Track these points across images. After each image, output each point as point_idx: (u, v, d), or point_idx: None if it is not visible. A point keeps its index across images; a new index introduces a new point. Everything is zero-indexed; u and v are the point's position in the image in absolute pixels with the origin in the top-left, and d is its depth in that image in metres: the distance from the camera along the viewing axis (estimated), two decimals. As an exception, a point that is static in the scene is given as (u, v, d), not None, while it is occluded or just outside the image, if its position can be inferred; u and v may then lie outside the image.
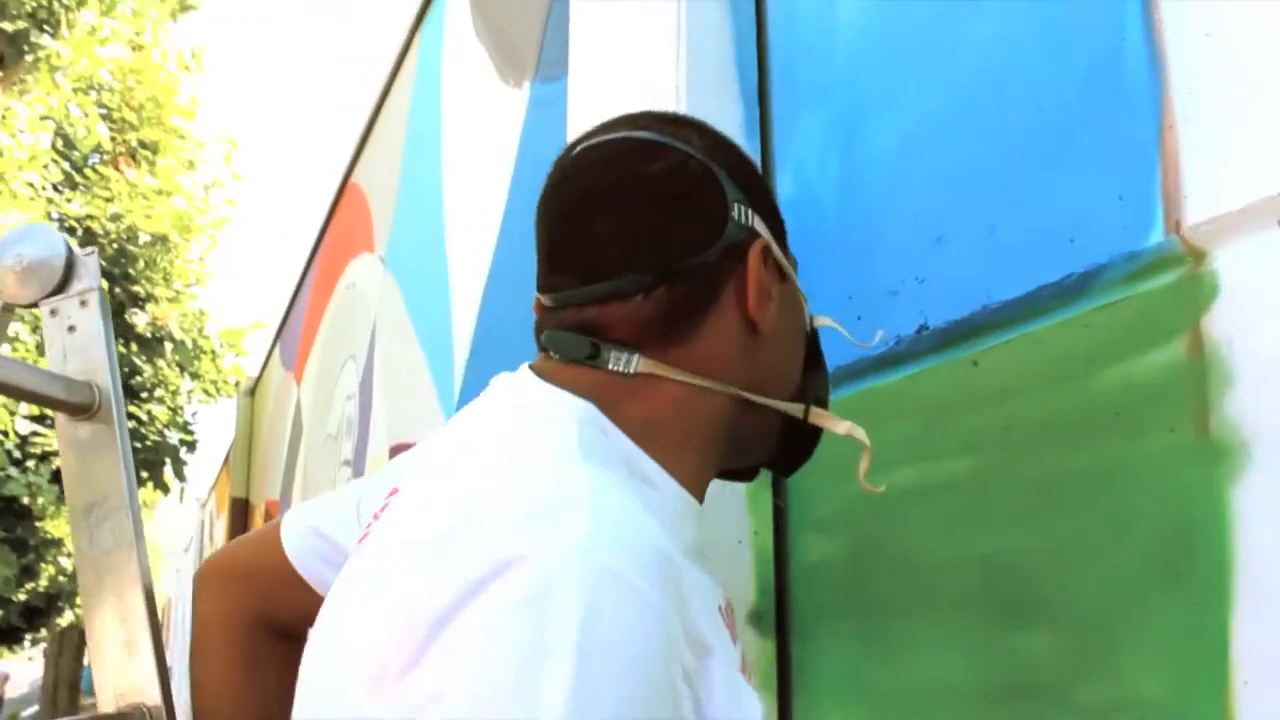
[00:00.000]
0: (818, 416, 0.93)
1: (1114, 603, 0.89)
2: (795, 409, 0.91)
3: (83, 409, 1.22)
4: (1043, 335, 0.98)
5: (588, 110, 1.80)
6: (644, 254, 0.82)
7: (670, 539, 0.72)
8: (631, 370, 0.82)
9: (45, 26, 9.57)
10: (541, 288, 0.88)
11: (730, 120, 1.44)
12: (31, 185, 10.25)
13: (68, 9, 9.54)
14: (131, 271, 13.49)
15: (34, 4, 9.38)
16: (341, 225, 4.66)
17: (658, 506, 0.76)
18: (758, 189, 0.91)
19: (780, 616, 1.30)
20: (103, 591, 1.18)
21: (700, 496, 0.86)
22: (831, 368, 1.24)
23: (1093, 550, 0.91)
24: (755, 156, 1.43)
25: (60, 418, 1.26)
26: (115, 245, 13.24)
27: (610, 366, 0.82)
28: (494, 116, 2.64)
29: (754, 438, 0.92)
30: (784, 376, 0.92)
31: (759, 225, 0.87)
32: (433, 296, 2.94)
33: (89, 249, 1.31)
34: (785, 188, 1.41)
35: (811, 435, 0.96)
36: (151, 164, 14.29)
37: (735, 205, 0.85)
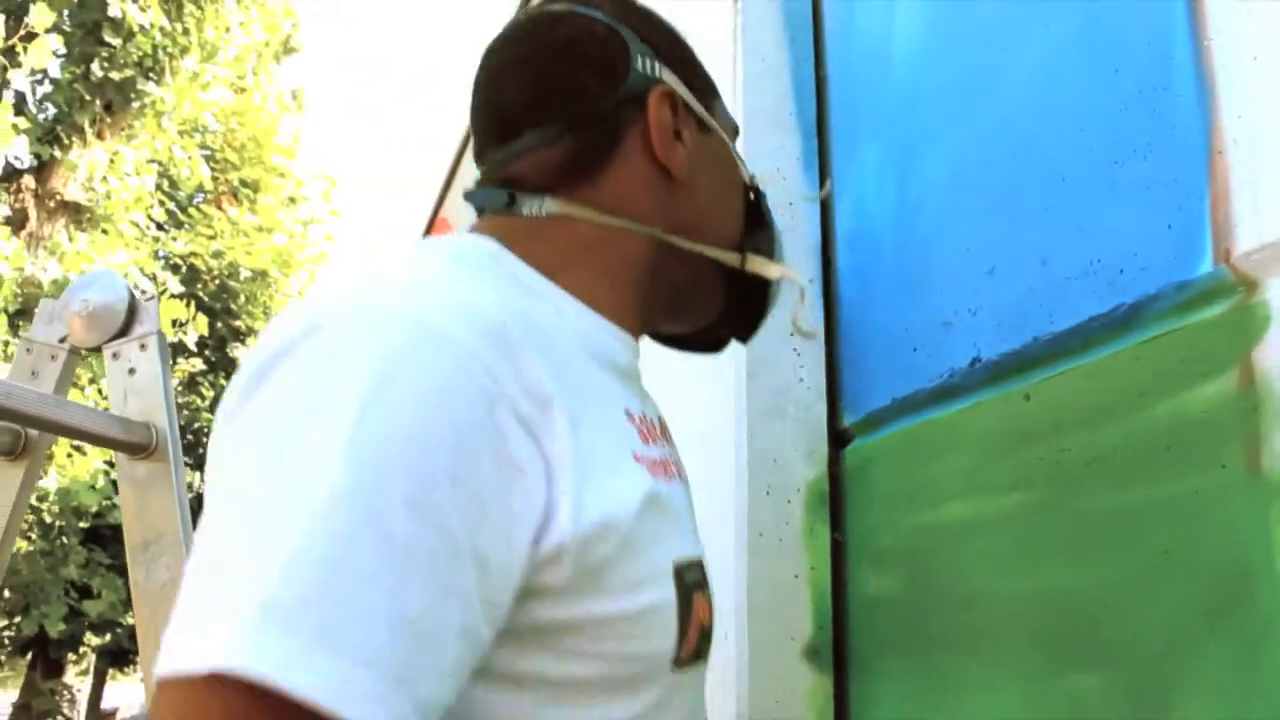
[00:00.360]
0: (753, 264, 0.95)
1: (1168, 642, 0.86)
2: (730, 257, 0.94)
3: (141, 448, 1.26)
4: (1094, 368, 0.95)
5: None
6: (549, 108, 0.88)
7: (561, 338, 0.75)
8: (542, 213, 0.86)
9: (151, 74, 9.93)
10: (475, 159, 0.93)
11: (789, 153, 1.44)
12: (136, 225, 10.58)
13: (172, 57, 9.89)
14: (233, 306, 13.84)
15: (140, 53, 9.74)
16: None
17: (545, 314, 0.78)
18: (673, 50, 0.95)
19: (838, 652, 1.28)
20: (157, 625, 1.21)
21: (630, 329, 0.89)
22: (888, 399, 1.23)
23: (1146, 588, 0.88)
24: (814, 182, 1.43)
25: (120, 457, 1.30)
26: (217, 281, 13.59)
27: (525, 212, 0.86)
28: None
29: (690, 286, 0.94)
30: (712, 224, 0.94)
31: (668, 76, 0.91)
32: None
33: (149, 294, 1.36)
34: (845, 222, 1.40)
35: (758, 289, 0.98)
36: (253, 202, 14.67)
37: (639, 58, 0.89)
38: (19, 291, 8.67)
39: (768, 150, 1.42)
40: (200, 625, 0.54)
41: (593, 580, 0.68)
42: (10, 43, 6.22)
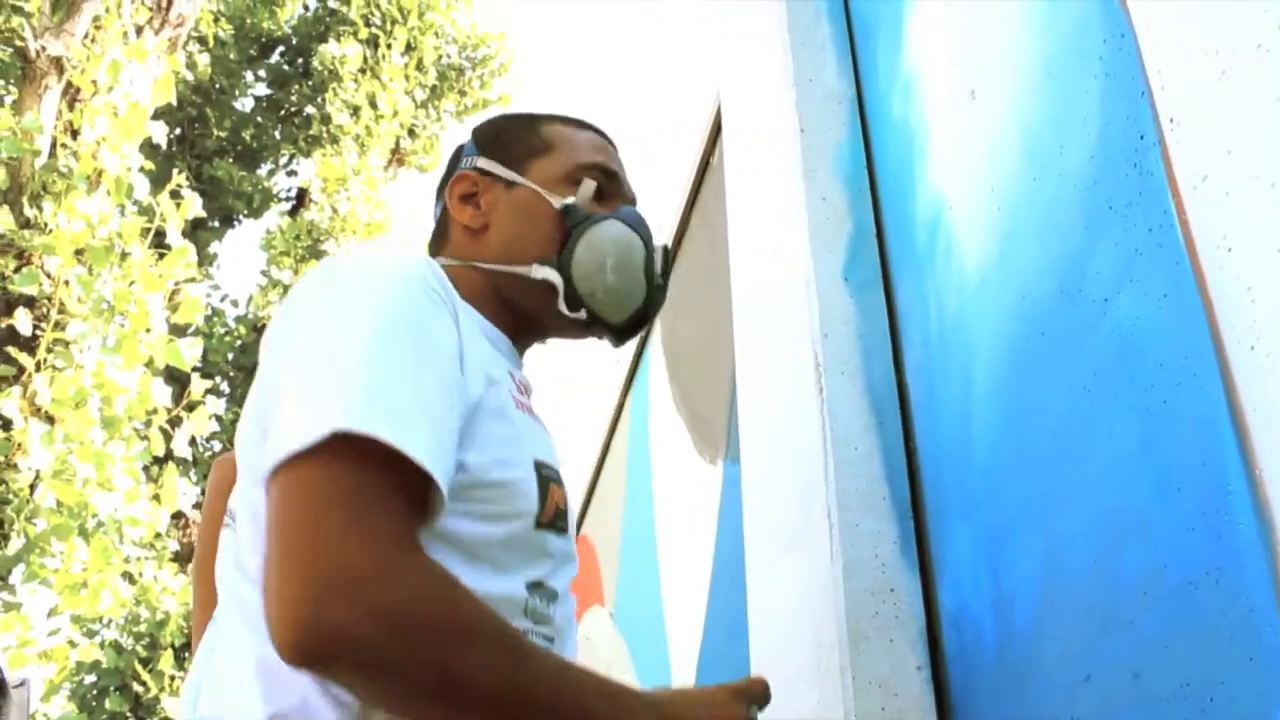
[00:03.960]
0: (577, 268, 1.23)
1: None
2: (538, 271, 1.24)
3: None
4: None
5: (758, 494, 1.86)
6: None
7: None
8: (437, 257, 1.29)
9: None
10: None
11: (886, 538, 1.47)
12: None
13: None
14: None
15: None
16: (577, 577, 4.77)
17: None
18: (496, 141, 1.34)
19: None
20: None
21: (511, 339, 1.24)
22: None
23: None
24: (915, 574, 1.45)
25: None
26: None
27: (431, 253, 1.32)
28: (695, 489, 2.73)
29: (519, 296, 1.25)
30: (519, 251, 1.25)
31: (482, 163, 1.31)
32: (654, 661, 2.97)
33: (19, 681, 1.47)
34: (947, 601, 1.41)
35: (584, 288, 1.24)
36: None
37: (465, 161, 1.33)
38: (184, 625, 8.97)
39: (865, 536, 1.46)
40: (316, 407, 0.88)
41: (474, 434, 1.01)
42: (175, 413, 6.71)
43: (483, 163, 1.31)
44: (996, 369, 1.35)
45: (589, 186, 1.28)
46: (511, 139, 1.34)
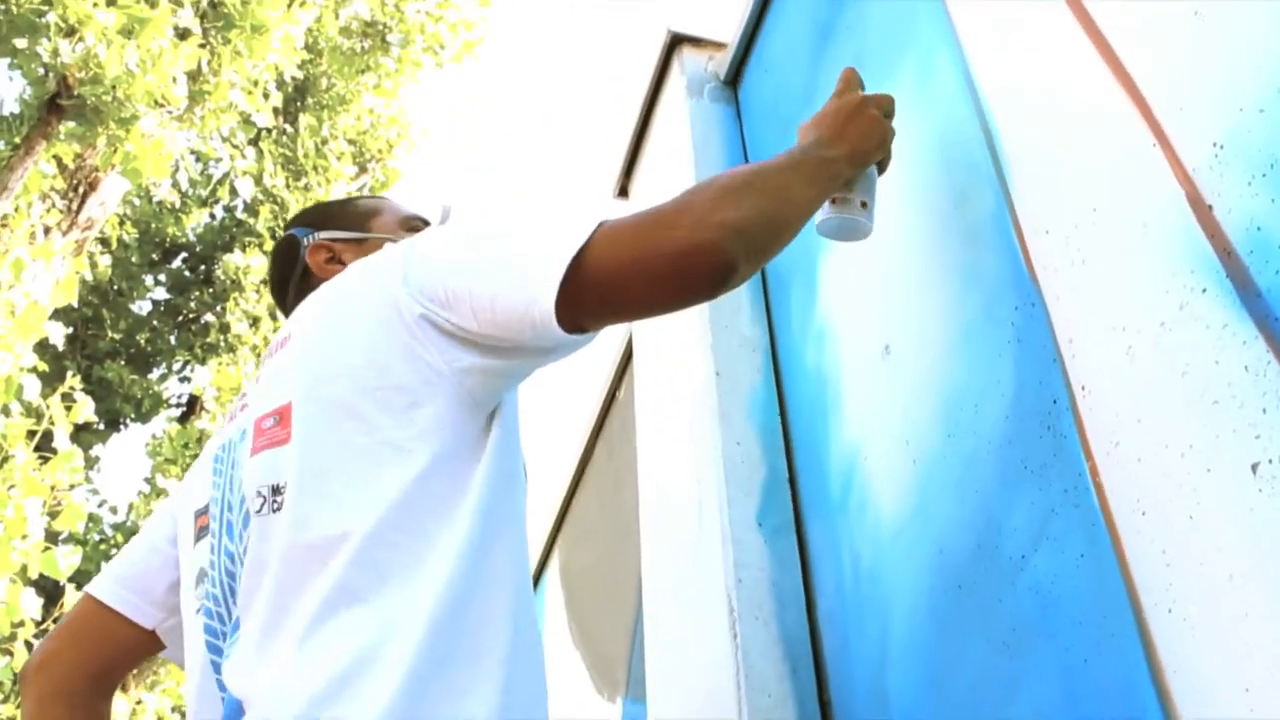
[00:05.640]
0: None
1: None
2: None
3: None
4: None
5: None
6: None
7: None
8: None
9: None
10: None
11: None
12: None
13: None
14: None
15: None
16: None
17: None
18: (328, 219, 1.58)
19: None
20: None
21: None
22: None
23: None
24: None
25: None
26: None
27: None
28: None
29: None
30: None
31: (324, 236, 1.53)
32: None
33: None
34: None
35: None
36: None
37: (305, 240, 1.53)
38: None
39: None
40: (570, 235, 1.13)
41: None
42: (44, 626, 6.40)
43: (326, 236, 1.54)
44: (913, 621, 1.36)
45: (423, 227, 1.55)
46: (342, 212, 1.61)
